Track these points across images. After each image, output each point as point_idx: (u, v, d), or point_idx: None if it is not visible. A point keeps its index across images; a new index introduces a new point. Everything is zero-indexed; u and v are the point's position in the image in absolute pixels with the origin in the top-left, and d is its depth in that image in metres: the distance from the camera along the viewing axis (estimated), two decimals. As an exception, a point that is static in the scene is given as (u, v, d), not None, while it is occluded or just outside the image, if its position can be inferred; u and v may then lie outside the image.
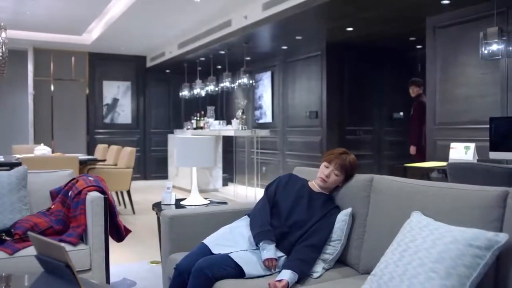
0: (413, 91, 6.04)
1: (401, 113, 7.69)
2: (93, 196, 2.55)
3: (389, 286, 1.66)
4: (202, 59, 8.56)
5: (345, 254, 2.26)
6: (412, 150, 5.92)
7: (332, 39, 6.85)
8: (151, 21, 7.18)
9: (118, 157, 6.52)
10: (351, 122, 7.30)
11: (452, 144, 4.49)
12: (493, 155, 3.99)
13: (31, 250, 2.41)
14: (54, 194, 2.89)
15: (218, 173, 8.51)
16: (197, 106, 10.37)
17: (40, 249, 1.58)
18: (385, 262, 1.75)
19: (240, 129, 6.75)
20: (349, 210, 2.25)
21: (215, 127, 7.73)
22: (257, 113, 8.95)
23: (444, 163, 4.27)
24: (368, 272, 2.16)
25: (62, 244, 1.39)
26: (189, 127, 8.58)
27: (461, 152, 4.41)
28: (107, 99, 9.92)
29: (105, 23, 7.59)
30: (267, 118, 8.61)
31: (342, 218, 2.24)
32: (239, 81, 7.23)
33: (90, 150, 9.43)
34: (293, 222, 2.27)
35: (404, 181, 2.12)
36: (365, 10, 5.06)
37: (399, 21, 5.58)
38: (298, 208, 2.31)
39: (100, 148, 7.39)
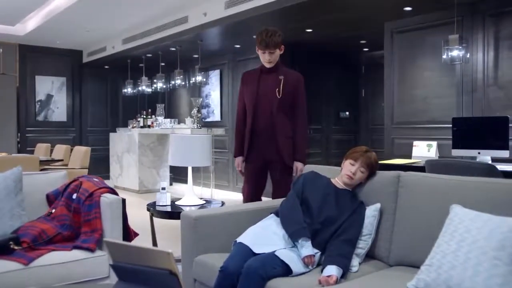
0: (276, 55, 3.25)
1: (347, 113, 8.06)
2: (111, 199, 2.40)
3: (451, 274, 1.77)
4: (149, 55, 8.30)
5: (372, 248, 2.35)
6: (301, 166, 3.22)
7: (285, 39, 6.96)
8: (99, 14, 6.83)
9: (67, 157, 6.14)
10: (302, 121, 7.49)
11: (415, 142, 4.82)
12: (455, 152, 4.33)
13: (46, 259, 2.24)
14: (52, 198, 2.68)
15: (166, 172, 8.31)
16: (136, 105, 10.03)
17: (121, 257, 1.47)
18: (441, 252, 1.86)
19: (196, 127, 6.65)
20: (378, 205, 2.35)
21: (167, 125, 7.54)
22: (204, 111, 8.85)
23: (411, 160, 4.56)
24: (399, 264, 2.28)
25: (169, 250, 1.32)
26: (134, 125, 8.27)
27: (424, 149, 4.75)
28: (40, 95, 9.24)
29: (47, 14, 7.07)
30: (215, 117, 8.56)
31: (371, 214, 2.33)
32: (193, 78, 7.12)
33: (22, 150, 8.75)
34: (324, 218, 2.31)
35: (437, 176, 2.26)
36: (330, 12, 5.24)
37: (357, 24, 5.83)
38: (327, 205, 2.36)
39: (41, 147, 6.89)
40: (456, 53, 4.47)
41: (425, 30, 5.16)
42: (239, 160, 3.38)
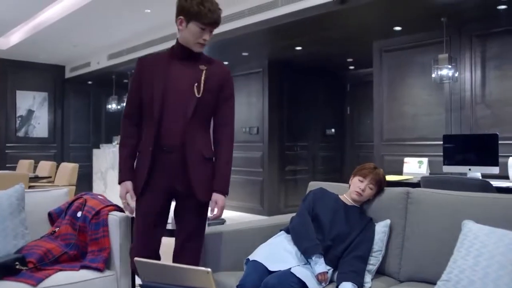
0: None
1: (333, 130, 8.15)
2: (120, 217, 2.35)
3: (470, 290, 1.80)
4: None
5: (382, 264, 2.36)
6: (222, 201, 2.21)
7: (274, 57, 7.06)
8: (87, 29, 6.77)
9: (53, 174, 6.01)
10: (290, 138, 7.55)
11: (406, 159, 4.89)
12: (446, 168, 4.42)
13: (54, 280, 2.18)
14: (54, 216, 2.61)
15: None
16: (119, 121, 9.91)
17: (152, 276, 1.45)
18: (458, 268, 1.88)
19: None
20: (387, 221, 2.37)
21: (154, 141, 7.45)
22: (189, 127, 8.81)
23: (404, 177, 4.62)
24: (409, 280, 2.30)
25: (208, 269, 1.30)
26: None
27: (415, 166, 4.82)
28: (21, 111, 9.05)
29: (32, 28, 6.97)
30: (201, 133, 8.52)
31: (381, 230, 2.35)
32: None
33: (1, 166, 8.51)
34: (335, 235, 2.32)
35: (447, 192, 2.30)
36: (320, 31, 5.32)
37: (346, 43, 5.94)
38: (337, 221, 2.37)
39: (24, 164, 6.72)
40: (445, 72, 4.60)
41: (413, 49, 5.29)
42: (127, 186, 2.15)
